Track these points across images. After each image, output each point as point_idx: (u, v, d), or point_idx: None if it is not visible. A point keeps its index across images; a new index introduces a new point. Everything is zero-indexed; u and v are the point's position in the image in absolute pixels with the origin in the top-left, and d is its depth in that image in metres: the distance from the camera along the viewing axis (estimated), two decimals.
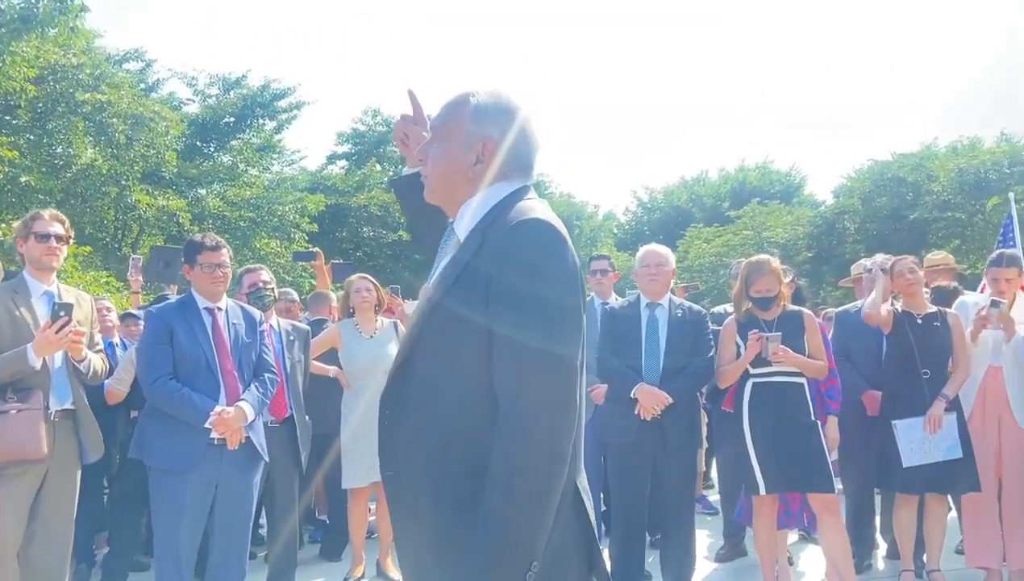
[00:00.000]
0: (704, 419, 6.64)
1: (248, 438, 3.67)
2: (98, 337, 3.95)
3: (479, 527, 1.39)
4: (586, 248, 30.28)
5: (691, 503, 4.43)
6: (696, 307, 4.55)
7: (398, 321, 5.23)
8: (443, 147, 1.64)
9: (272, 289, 4.59)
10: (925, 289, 4.82)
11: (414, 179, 1.87)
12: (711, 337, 4.41)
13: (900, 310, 4.51)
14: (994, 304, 4.28)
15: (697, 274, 23.48)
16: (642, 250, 4.62)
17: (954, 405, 4.31)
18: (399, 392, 1.58)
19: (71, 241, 3.88)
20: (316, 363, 4.98)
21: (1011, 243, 7.04)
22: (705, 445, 6.97)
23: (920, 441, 4.24)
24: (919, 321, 4.43)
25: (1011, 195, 8.56)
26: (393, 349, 4.91)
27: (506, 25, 66.66)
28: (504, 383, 1.44)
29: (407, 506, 1.57)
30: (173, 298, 4.54)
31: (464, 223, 1.62)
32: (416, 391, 1.54)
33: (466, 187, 1.62)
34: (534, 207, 1.55)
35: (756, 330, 4.08)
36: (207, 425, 3.49)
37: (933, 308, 4.53)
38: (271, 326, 4.47)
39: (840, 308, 5.29)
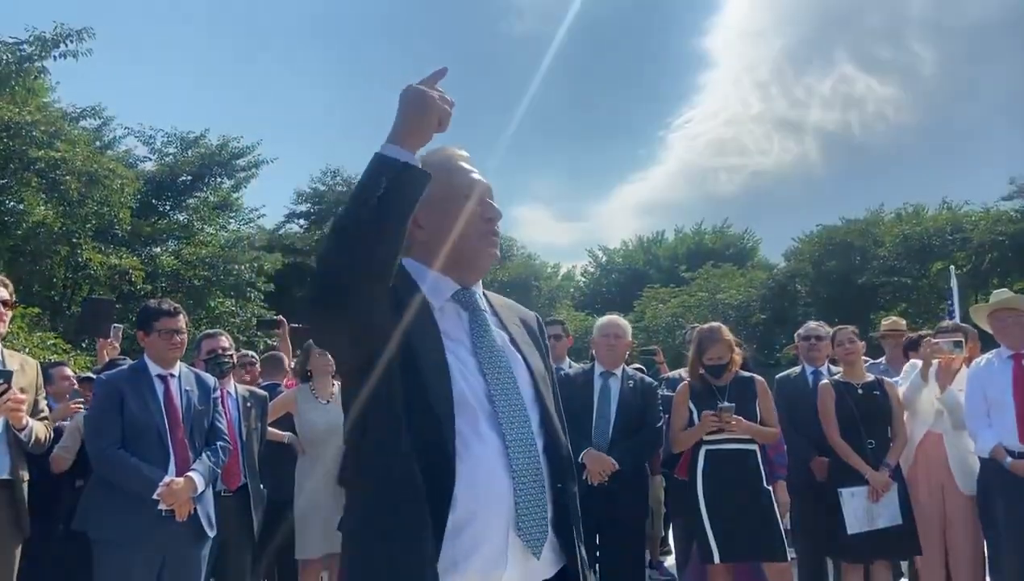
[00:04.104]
0: (662, 483, 6.68)
1: (196, 510, 3.58)
2: (43, 403, 3.86)
3: None
4: (544, 308, 30.44)
5: (641, 569, 4.51)
6: (648, 379, 4.71)
7: None
8: None
9: (231, 356, 4.54)
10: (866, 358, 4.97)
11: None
12: (661, 408, 4.51)
13: (840, 380, 4.65)
14: (957, 345, 4.40)
15: (654, 335, 23.75)
16: (602, 320, 4.75)
17: (895, 472, 4.43)
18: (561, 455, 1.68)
19: (15, 305, 3.82)
20: (271, 429, 4.90)
21: (952, 315, 7.30)
22: (663, 510, 6.99)
23: (864, 509, 4.34)
24: (859, 391, 4.57)
25: (951, 269, 8.91)
26: None
27: (465, 78, 67.90)
28: None
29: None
30: (125, 365, 4.46)
31: (479, 294, 1.75)
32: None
33: None
34: None
35: (710, 410, 4.16)
36: (155, 496, 3.41)
37: (871, 377, 4.68)
38: (228, 392, 4.41)
39: (781, 374, 5.36)
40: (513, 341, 1.70)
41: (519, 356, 1.68)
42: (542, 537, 1.53)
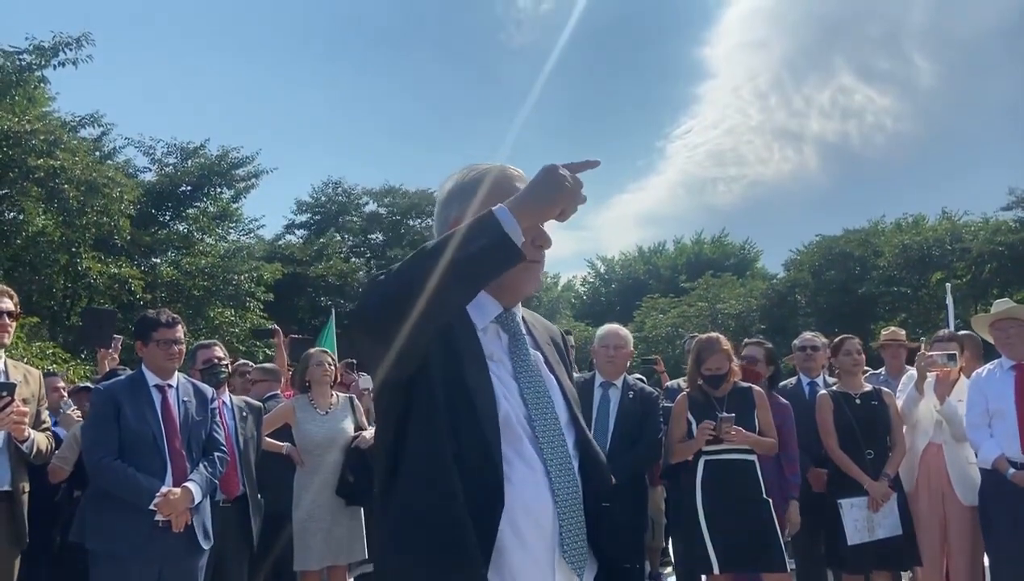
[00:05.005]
0: (663, 494, 6.64)
1: (192, 521, 3.57)
2: (45, 414, 3.85)
3: None
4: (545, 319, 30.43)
5: None
6: (648, 390, 4.65)
7: (354, 396, 5.17)
8: None
9: (226, 365, 4.54)
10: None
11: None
12: (661, 419, 4.48)
13: (838, 390, 4.64)
14: (950, 358, 4.39)
15: (653, 345, 23.73)
16: (603, 329, 4.72)
17: (895, 482, 4.42)
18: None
19: (20, 316, 3.81)
20: (268, 440, 4.87)
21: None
22: (664, 521, 6.95)
23: (864, 520, 4.32)
24: (857, 401, 4.56)
25: (948, 286, 8.88)
26: (349, 425, 4.84)
27: (465, 88, 68.04)
28: None
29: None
30: (123, 375, 4.45)
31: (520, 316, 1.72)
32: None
33: None
34: None
35: (708, 419, 4.15)
36: (152, 507, 3.40)
37: (869, 387, 4.67)
38: (224, 402, 4.40)
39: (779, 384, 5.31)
40: (547, 362, 1.71)
41: (553, 378, 1.69)
42: (584, 557, 1.56)
